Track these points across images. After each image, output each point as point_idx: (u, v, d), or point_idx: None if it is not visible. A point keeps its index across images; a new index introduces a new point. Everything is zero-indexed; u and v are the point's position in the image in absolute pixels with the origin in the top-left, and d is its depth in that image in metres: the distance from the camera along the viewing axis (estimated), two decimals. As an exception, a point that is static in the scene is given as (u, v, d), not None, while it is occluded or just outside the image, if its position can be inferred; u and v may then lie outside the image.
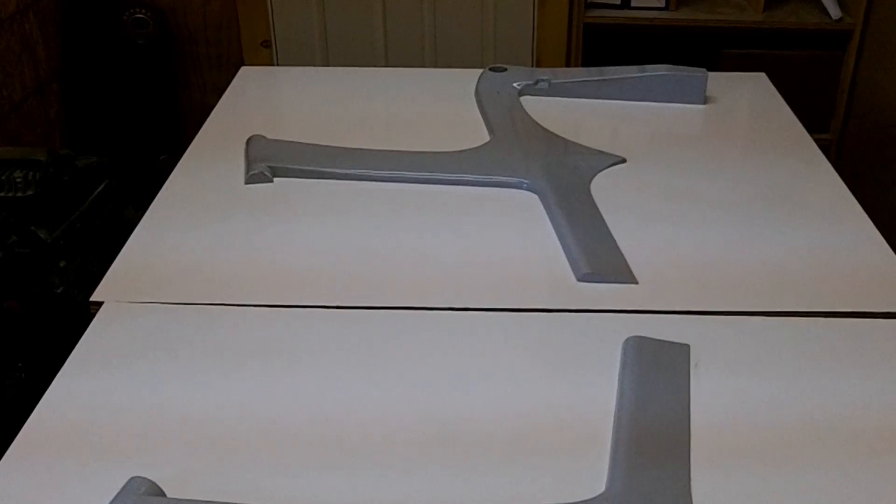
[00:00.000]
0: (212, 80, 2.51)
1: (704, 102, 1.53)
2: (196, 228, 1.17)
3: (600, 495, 0.77)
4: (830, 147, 2.29)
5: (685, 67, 1.55)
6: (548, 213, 1.20)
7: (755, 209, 1.23)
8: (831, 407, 0.88)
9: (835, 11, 2.26)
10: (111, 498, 0.74)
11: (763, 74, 1.65)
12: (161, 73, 2.46)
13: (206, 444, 0.83)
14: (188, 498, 0.76)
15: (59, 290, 1.73)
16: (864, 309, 1.02)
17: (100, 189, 1.90)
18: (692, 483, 0.78)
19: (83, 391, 0.89)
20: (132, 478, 0.76)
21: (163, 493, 0.75)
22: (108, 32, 2.37)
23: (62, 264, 1.75)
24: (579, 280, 1.06)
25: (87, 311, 1.02)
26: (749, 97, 1.60)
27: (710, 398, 0.89)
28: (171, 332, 0.98)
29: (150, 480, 0.76)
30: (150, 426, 0.85)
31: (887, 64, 2.12)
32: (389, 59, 2.32)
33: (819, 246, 1.14)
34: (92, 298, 1.02)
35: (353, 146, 1.36)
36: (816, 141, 1.42)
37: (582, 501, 0.76)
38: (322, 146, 1.35)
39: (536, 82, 1.56)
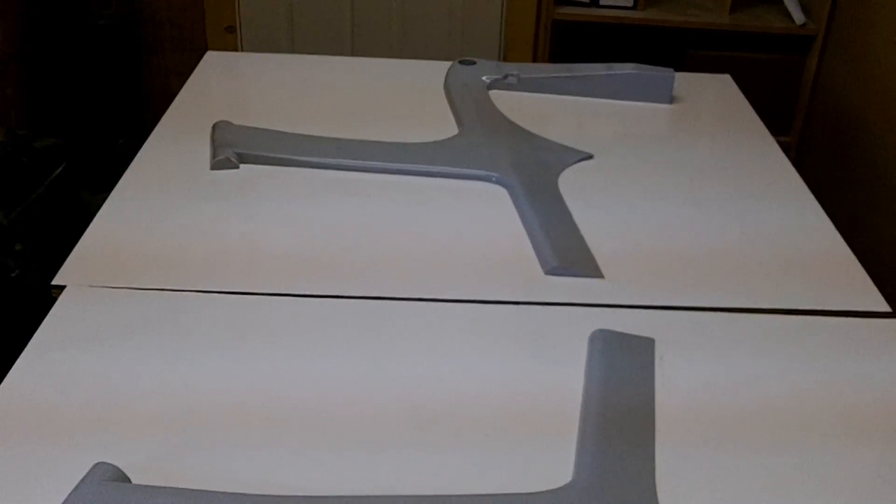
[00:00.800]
0: (174, 63, 2.48)
1: (671, 102, 1.55)
2: (160, 213, 1.16)
3: (567, 485, 0.77)
4: (791, 149, 2.33)
5: (653, 67, 1.56)
6: (516, 207, 1.20)
7: (719, 207, 1.24)
8: (792, 399, 0.90)
9: (799, 16, 2.30)
10: (75, 484, 0.73)
11: (728, 76, 1.67)
12: (122, 55, 2.43)
13: (171, 430, 0.82)
14: (153, 484, 0.75)
15: (14, 274, 1.70)
16: (823, 307, 1.04)
17: (58, 172, 1.88)
18: (657, 473, 0.79)
19: (45, 376, 0.88)
20: (96, 464, 0.75)
21: (128, 479, 0.75)
22: (69, 12, 2.33)
23: (18, 247, 1.73)
24: (547, 273, 1.07)
25: (42, 295, 1.00)
26: (714, 98, 1.62)
27: (674, 392, 0.90)
28: (135, 317, 0.97)
29: (114, 466, 0.75)
30: (114, 411, 0.84)
31: (848, 69, 2.15)
32: (356, 47, 2.31)
33: (780, 244, 1.16)
34: (54, 282, 1.01)
35: (320, 135, 1.35)
36: (778, 143, 1.44)
37: (549, 490, 0.76)
38: (290, 134, 1.35)
39: (505, 77, 1.57)
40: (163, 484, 0.75)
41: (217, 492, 0.74)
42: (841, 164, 2.15)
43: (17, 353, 0.90)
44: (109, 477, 0.74)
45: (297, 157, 1.28)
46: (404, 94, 1.55)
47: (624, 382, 0.90)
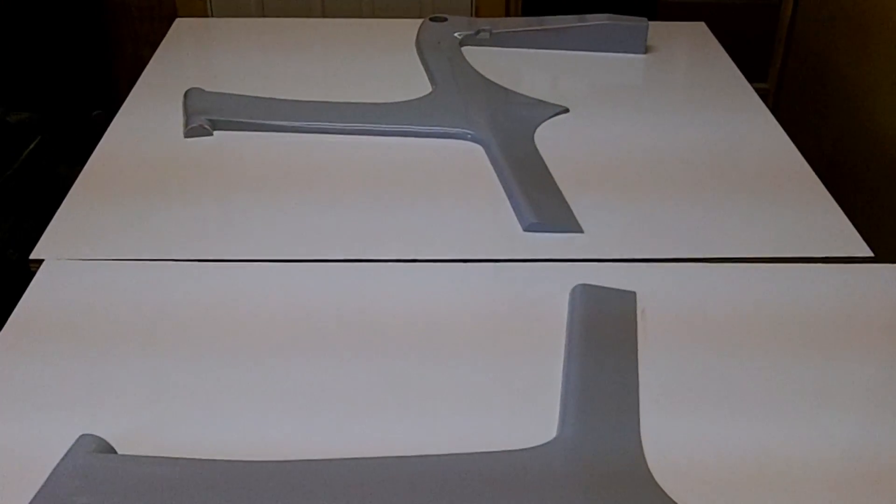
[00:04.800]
0: (144, 32, 2.45)
1: (645, 52, 1.54)
2: (136, 183, 1.15)
3: (552, 441, 0.78)
4: (768, 95, 2.32)
5: (626, 17, 1.55)
6: (492, 164, 1.19)
7: (697, 156, 1.24)
8: (776, 344, 0.90)
9: (771, -39, 2.28)
10: (60, 456, 0.73)
11: (702, 23, 1.66)
12: (92, 24, 2.40)
13: (155, 400, 0.82)
14: (139, 454, 0.75)
15: (-7, 250, 1.69)
16: (804, 254, 1.04)
17: (32, 146, 1.86)
18: (641, 425, 0.80)
19: (27, 350, 0.88)
20: (82, 435, 0.75)
21: (113, 450, 0.75)
22: (36, -17, 2.29)
23: (-4, 223, 1.71)
24: (525, 230, 1.06)
25: (22, 271, 1.00)
26: (689, 46, 1.61)
27: (656, 344, 0.90)
28: (114, 288, 0.96)
29: (99, 437, 0.75)
30: (97, 383, 0.84)
31: (823, 12, 2.15)
32: (326, 8, 2.28)
33: (760, 192, 1.16)
34: (32, 256, 1.00)
35: (294, 98, 1.34)
36: (755, 89, 1.44)
37: (534, 447, 0.77)
38: (262, 98, 1.33)
39: (477, 32, 1.55)
40: (149, 453, 0.75)
41: (202, 459, 0.74)
42: (818, 109, 2.14)
43: (-2, 328, 0.90)
44: (95, 448, 0.74)
45: (270, 122, 1.27)
46: (376, 54, 1.54)
47: (606, 336, 0.90)
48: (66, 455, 0.73)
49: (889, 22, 1.82)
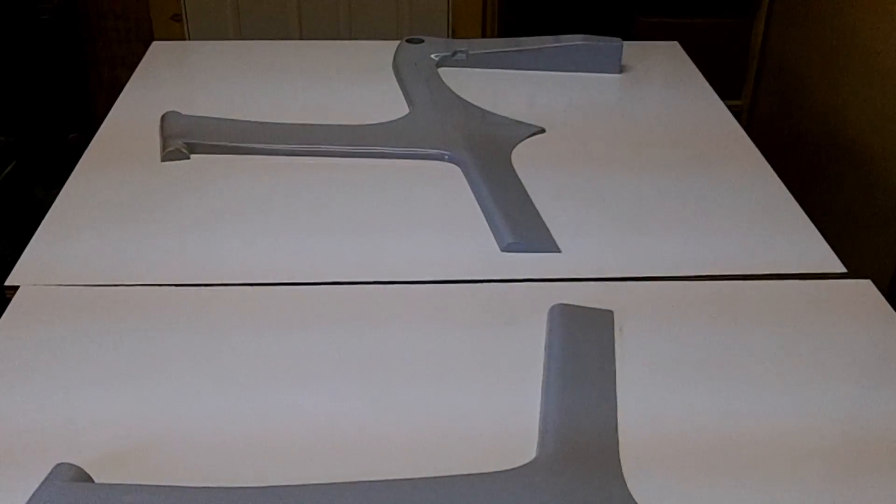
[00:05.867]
0: (121, 54, 2.45)
1: (620, 72, 1.55)
2: (112, 208, 1.15)
3: (531, 462, 0.78)
4: (742, 112, 2.34)
5: (601, 37, 1.56)
6: (470, 185, 1.20)
7: (672, 176, 1.25)
8: (752, 360, 0.91)
9: (743, -21, 2.30)
10: (36, 486, 0.72)
11: (676, 43, 1.68)
12: (68, 48, 2.40)
13: (132, 428, 0.82)
14: (116, 483, 0.75)
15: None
16: (778, 271, 1.05)
17: (8, 170, 1.86)
18: (621, 445, 0.80)
19: (2, 378, 0.87)
20: (58, 464, 0.74)
21: (90, 479, 0.74)
22: (11, 7, 2.29)
23: (-29, 248, 1.70)
24: (503, 250, 1.07)
25: (2, 296, 0.99)
26: (663, 65, 1.62)
27: (635, 362, 0.90)
28: (91, 314, 0.96)
29: (76, 466, 0.74)
30: (74, 411, 0.83)
31: (794, 30, 2.17)
32: (304, 31, 2.29)
33: (733, 208, 1.17)
34: (7, 283, 0.99)
35: (271, 121, 1.34)
36: (729, 107, 1.45)
37: (513, 468, 0.77)
38: (240, 121, 1.34)
39: (454, 53, 1.56)
40: (127, 482, 0.75)
41: (182, 487, 0.74)
42: (791, 126, 2.17)
43: (-28, 357, 0.89)
44: (71, 477, 0.73)
45: (248, 145, 1.27)
46: (353, 76, 1.54)
47: (584, 356, 0.90)
48: (41, 485, 0.72)
49: (860, 39, 1.85)
